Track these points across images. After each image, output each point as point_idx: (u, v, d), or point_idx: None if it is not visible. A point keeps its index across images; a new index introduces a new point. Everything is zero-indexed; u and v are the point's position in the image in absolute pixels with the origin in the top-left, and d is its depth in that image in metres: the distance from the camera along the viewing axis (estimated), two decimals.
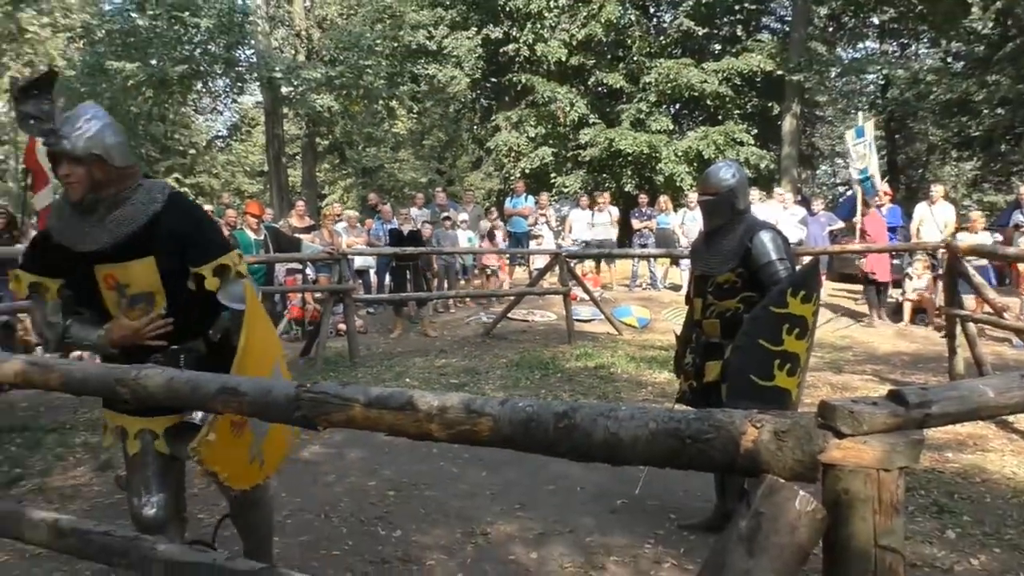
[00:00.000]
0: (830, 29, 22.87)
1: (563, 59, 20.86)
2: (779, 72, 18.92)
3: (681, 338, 4.02)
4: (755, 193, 12.33)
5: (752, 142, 19.47)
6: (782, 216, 12.03)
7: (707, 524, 3.84)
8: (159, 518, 2.60)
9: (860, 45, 23.70)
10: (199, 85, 19.93)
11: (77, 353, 7.97)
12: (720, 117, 20.29)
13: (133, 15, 18.92)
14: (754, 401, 2.98)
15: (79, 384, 1.92)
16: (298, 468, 4.75)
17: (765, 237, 3.56)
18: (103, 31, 18.92)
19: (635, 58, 20.59)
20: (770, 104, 20.32)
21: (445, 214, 12.29)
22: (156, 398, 1.80)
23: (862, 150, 11.60)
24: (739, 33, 20.36)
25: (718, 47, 21.97)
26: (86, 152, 2.36)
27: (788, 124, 19.61)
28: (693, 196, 13.35)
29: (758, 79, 19.84)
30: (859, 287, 11.55)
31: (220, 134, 30.61)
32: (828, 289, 12.03)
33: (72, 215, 2.45)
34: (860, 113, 15.11)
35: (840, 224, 12.70)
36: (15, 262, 7.45)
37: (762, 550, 1.17)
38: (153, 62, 17.94)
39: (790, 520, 1.15)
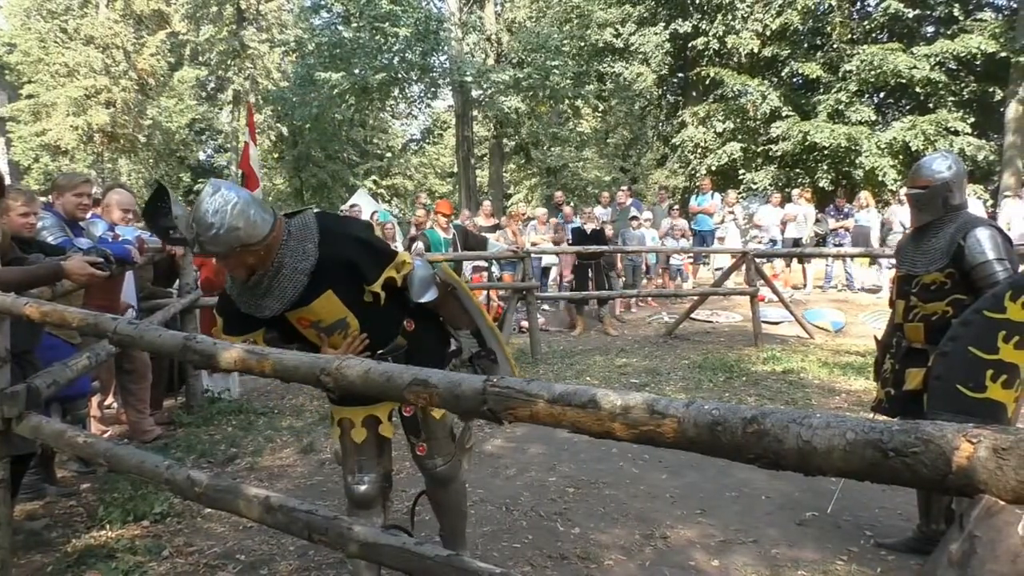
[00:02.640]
0: None
1: (755, 50, 20.09)
2: (1003, 54, 17.08)
3: (882, 343, 3.74)
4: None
5: (969, 131, 17.75)
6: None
7: (908, 545, 3.56)
8: (370, 494, 2.83)
9: None
10: (396, 91, 21.08)
11: None
12: (931, 105, 18.66)
13: (340, 28, 20.37)
14: (959, 414, 2.72)
15: (290, 372, 2.06)
16: (481, 460, 4.91)
17: (982, 234, 3.23)
18: (313, 44, 20.50)
19: (835, 45, 19.41)
20: (991, 89, 18.40)
21: (633, 214, 12.21)
22: (356, 387, 1.91)
23: None
24: (956, 13, 18.55)
25: (931, 29, 20.21)
26: (229, 248, 2.39)
27: (1013, 110, 17.65)
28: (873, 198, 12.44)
29: (977, 62, 18.04)
30: None
31: (414, 137, 32.26)
32: None
33: (243, 288, 2.58)
34: None
35: None
36: None
37: None
38: (356, 71, 19.21)
39: (1011, 546, 1.04)
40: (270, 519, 2.28)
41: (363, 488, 2.83)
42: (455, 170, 27.26)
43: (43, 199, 4.89)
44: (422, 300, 2.78)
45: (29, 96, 23.01)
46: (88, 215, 4.95)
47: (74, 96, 22.29)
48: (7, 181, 3.64)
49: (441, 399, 1.73)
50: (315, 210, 2.74)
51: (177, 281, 6.31)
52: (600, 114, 25.79)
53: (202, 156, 32.81)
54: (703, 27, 20.66)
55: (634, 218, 12.03)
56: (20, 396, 2.93)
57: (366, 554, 2.14)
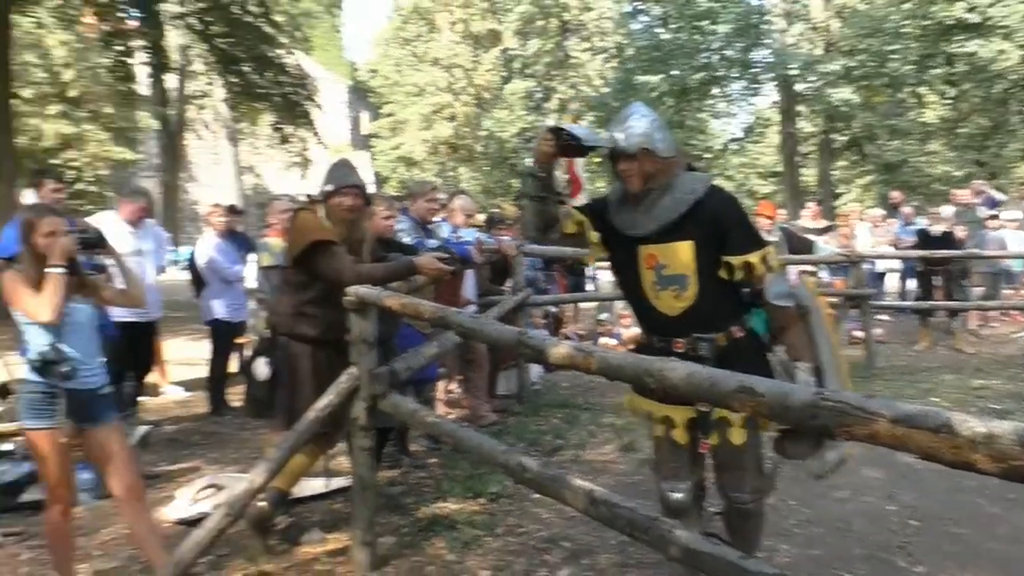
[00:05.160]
0: None
1: None
2: None
3: None
4: None
5: None
6: None
7: None
8: (683, 503, 2.79)
9: None
10: (715, 90, 20.71)
11: (605, 340, 8.97)
12: None
13: (658, 31, 20.55)
14: None
15: (614, 370, 2.10)
16: (809, 479, 4.61)
17: None
18: (632, 49, 20.93)
19: None
20: None
21: (992, 212, 10.69)
22: (678, 389, 1.90)
23: None
24: None
25: None
26: (637, 148, 2.60)
27: None
28: None
29: None
30: None
31: (734, 136, 31.35)
32: None
33: (625, 202, 2.75)
34: None
35: None
36: (562, 261, 8.57)
37: None
38: (675, 72, 19.22)
39: None
40: (593, 511, 2.34)
41: (679, 496, 2.79)
42: (778, 169, 26.03)
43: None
44: (775, 302, 2.69)
45: (388, 115, 26.41)
46: (436, 218, 5.53)
47: (423, 113, 25.12)
48: (371, 190, 4.20)
49: (768, 409, 1.65)
50: None
51: (510, 280, 6.79)
52: (949, 100, 22.92)
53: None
54: None
55: (993, 216, 10.51)
56: (384, 377, 3.34)
57: (686, 559, 2.11)
